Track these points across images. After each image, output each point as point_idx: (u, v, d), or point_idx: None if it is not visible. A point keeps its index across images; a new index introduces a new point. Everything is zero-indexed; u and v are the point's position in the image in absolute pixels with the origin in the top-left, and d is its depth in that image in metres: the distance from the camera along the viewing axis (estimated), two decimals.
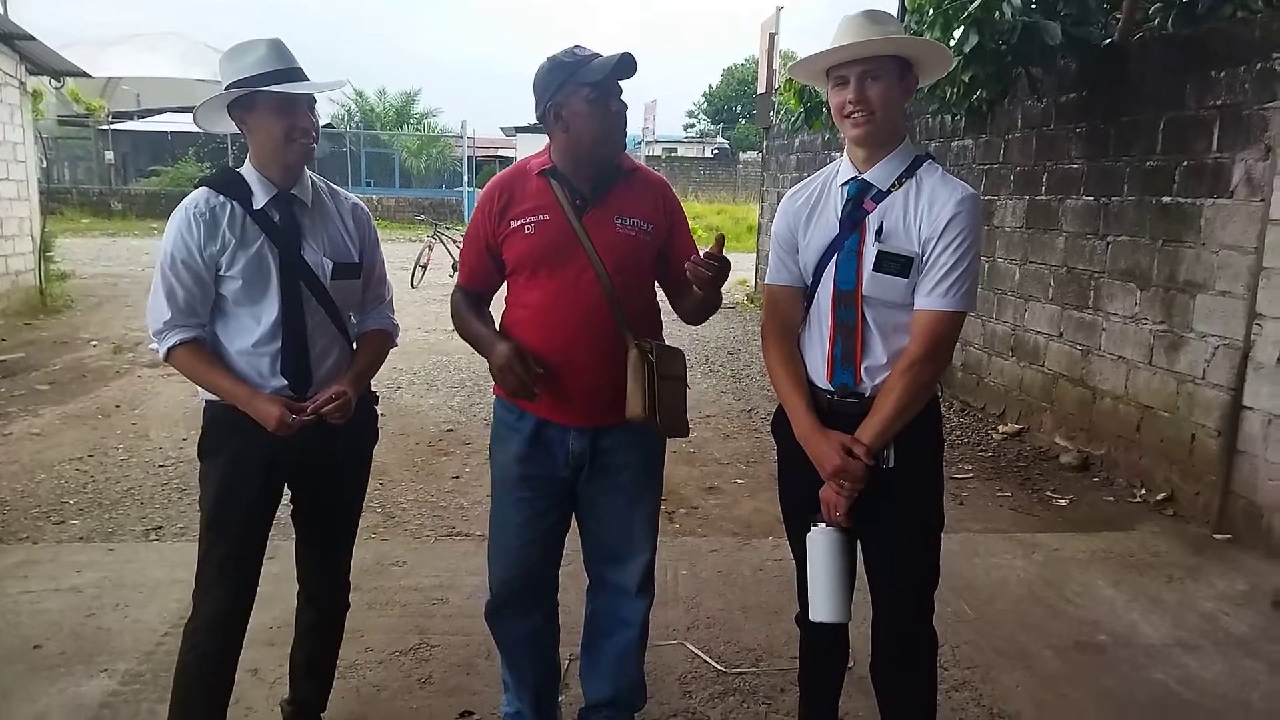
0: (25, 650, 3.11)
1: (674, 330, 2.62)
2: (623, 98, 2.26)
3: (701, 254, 2.16)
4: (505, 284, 2.44)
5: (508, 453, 2.41)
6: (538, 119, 2.29)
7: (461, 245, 2.45)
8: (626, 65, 2.18)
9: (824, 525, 2.12)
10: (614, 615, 2.54)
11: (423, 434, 5.84)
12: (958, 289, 2.00)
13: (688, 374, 2.41)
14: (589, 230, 2.27)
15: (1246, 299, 4.36)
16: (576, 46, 2.25)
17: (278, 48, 2.19)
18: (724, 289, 2.27)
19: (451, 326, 2.57)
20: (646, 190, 2.38)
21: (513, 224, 2.29)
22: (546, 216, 2.27)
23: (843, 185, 2.13)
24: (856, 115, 2.03)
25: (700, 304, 2.39)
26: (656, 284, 2.48)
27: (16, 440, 5.55)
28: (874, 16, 2.04)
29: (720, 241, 2.16)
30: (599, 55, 2.21)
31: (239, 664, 2.34)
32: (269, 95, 2.15)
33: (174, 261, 2.18)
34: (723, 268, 2.14)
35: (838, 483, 2.07)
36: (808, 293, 2.17)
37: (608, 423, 2.33)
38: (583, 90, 2.18)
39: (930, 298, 2.01)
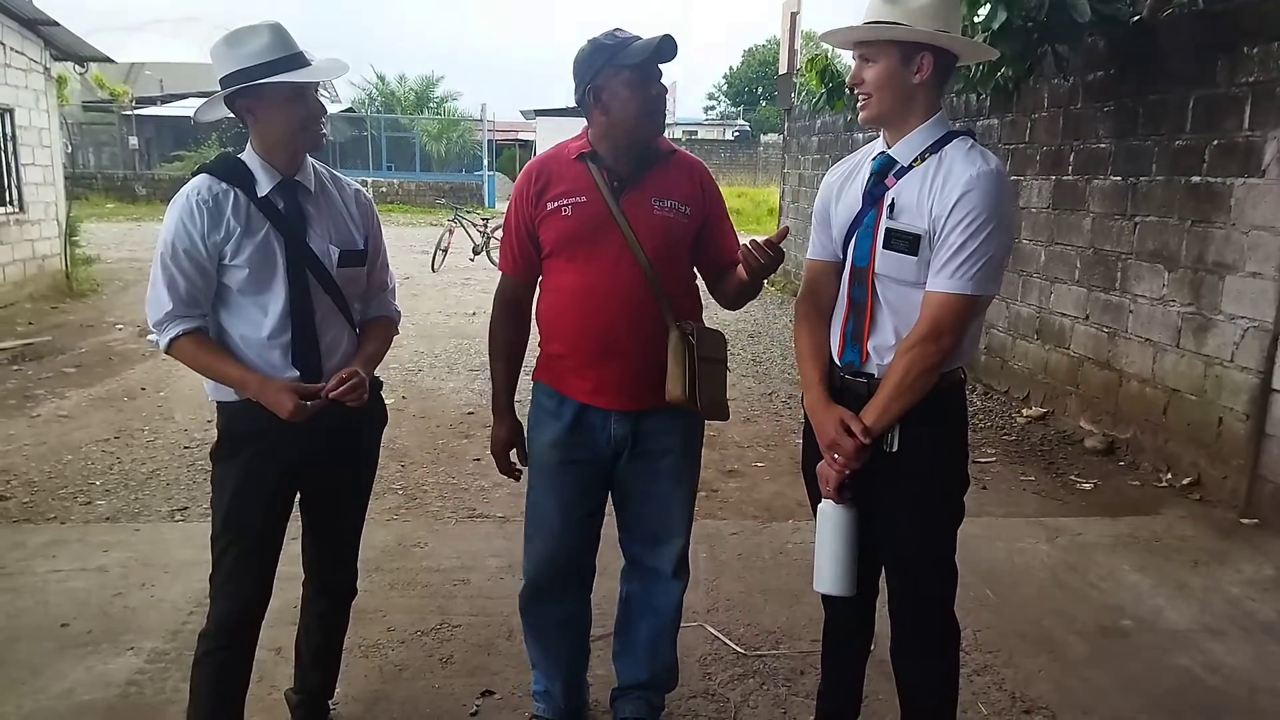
0: (53, 628, 3.16)
1: (739, 308, 2.60)
2: (663, 80, 2.24)
3: (765, 240, 2.15)
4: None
5: (547, 439, 2.40)
6: (576, 101, 2.29)
7: (501, 234, 2.46)
8: (668, 48, 2.17)
9: (832, 500, 2.13)
10: (649, 599, 2.54)
11: (444, 417, 5.87)
12: (966, 270, 1.93)
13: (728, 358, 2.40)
14: (626, 212, 2.26)
15: (1277, 280, 4.28)
16: (617, 29, 2.23)
17: (280, 33, 2.12)
18: None
19: (472, 310, 2.57)
20: (684, 173, 2.37)
21: (549, 206, 2.29)
22: (584, 198, 2.27)
23: (872, 160, 2.11)
24: (859, 98, 2.05)
25: (740, 290, 2.37)
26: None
27: (44, 422, 5.62)
28: None
29: (784, 233, 2.19)
30: (639, 38, 2.20)
31: (261, 644, 2.34)
32: (281, 85, 2.08)
33: (175, 251, 2.10)
34: (777, 258, 2.15)
35: (830, 456, 2.08)
36: (840, 268, 2.16)
37: (649, 406, 2.32)
38: (623, 73, 2.17)
39: (937, 278, 1.96)
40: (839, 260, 2.15)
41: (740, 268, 2.23)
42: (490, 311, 2.48)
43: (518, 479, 2.58)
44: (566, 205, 2.27)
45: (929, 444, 2.06)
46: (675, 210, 2.31)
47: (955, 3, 2.08)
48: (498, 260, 2.52)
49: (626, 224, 2.25)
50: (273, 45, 2.09)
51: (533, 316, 2.47)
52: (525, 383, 2.47)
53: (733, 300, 2.42)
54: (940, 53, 2.00)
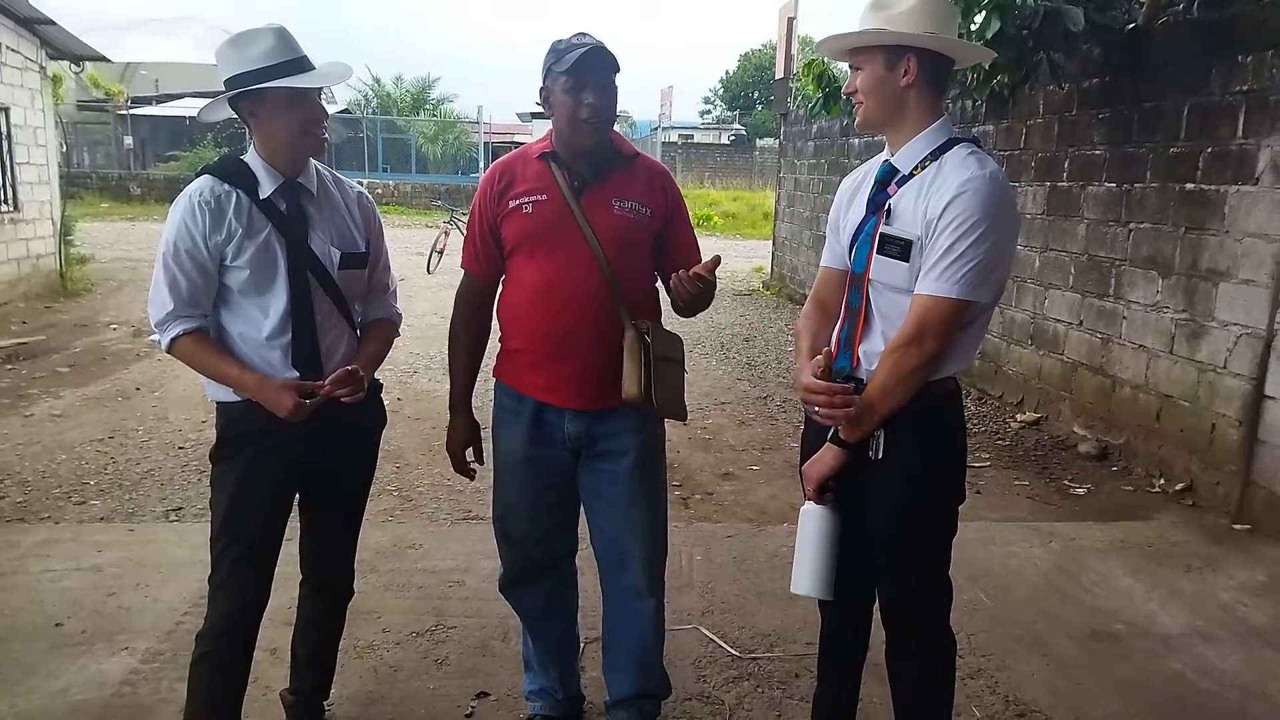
0: (47, 628, 3.16)
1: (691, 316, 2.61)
2: (605, 90, 2.22)
3: (693, 271, 2.18)
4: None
5: (512, 437, 2.43)
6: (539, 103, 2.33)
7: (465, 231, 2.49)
8: (595, 59, 2.18)
9: (813, 501, 2.13)
10: (628, 619, 2.54)
11: (439, 419, 5.84)
12: (953, 274, 1.90)
13: (687, 359, 2.41)
14: (586, 212, 2.28)
15: (1270, 287, 4.30)
16: (576, 34, 2.26)
17: (284, 37, 2.13)
18: (740, 276, 2.27)
19: None
20: (646, 176, 2.39)
21: (511, 204, 2.32)
22: (544, 196, 2.30)
23: (877, 169, 2.11)
24: (856, 104, 2.06)
25: (685, 303, 2.37)
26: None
27: (38, 421, 5.61)
28: (878, 3, 1.98)
29: (715, 263, 2.20)
30: (587, 46, 2.21)
31: (257, 644, 2.34)
32: (281, 90, 2.09)
33: (177, 251, 2.11)
34: (706, 291, 2.19)
35: (806, 398, 2.03)
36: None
37: (604, 406, 2.34)
38: (560, 79, 2.21)
39: (924, 281, 1.94)
40: (848, 268, 2.13)
41: (673, 292, 2.26)
42: (451, 320, 2.49)
43: (473, 478, 2.61)
44: (527, 203, 2.30)
45: (916, 454, 2.03)
46: (635, 211, 2.33)
47: (946, 4, 2.05)
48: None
49: (586, 223, 2.27)
50: (276, 49, 2.10)
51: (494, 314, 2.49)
52: (489, 383, 2.47)
53: (685, 308, 2.39)
54: (927, 55, 1.97)
